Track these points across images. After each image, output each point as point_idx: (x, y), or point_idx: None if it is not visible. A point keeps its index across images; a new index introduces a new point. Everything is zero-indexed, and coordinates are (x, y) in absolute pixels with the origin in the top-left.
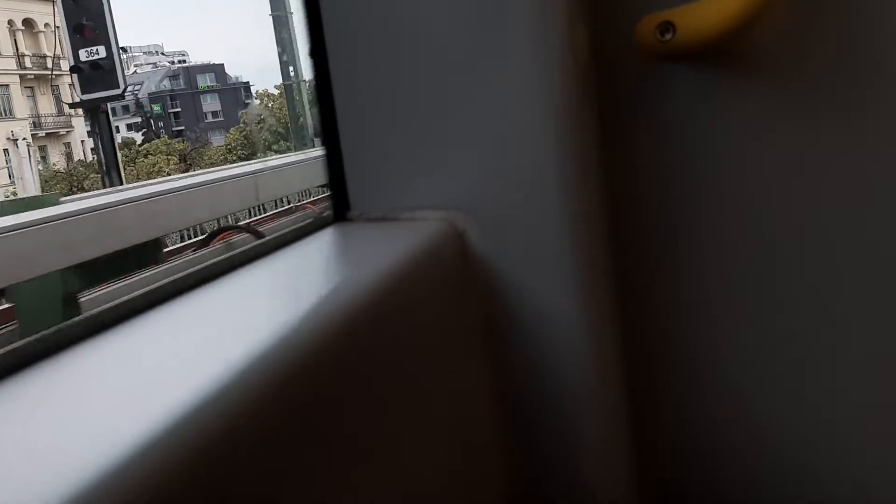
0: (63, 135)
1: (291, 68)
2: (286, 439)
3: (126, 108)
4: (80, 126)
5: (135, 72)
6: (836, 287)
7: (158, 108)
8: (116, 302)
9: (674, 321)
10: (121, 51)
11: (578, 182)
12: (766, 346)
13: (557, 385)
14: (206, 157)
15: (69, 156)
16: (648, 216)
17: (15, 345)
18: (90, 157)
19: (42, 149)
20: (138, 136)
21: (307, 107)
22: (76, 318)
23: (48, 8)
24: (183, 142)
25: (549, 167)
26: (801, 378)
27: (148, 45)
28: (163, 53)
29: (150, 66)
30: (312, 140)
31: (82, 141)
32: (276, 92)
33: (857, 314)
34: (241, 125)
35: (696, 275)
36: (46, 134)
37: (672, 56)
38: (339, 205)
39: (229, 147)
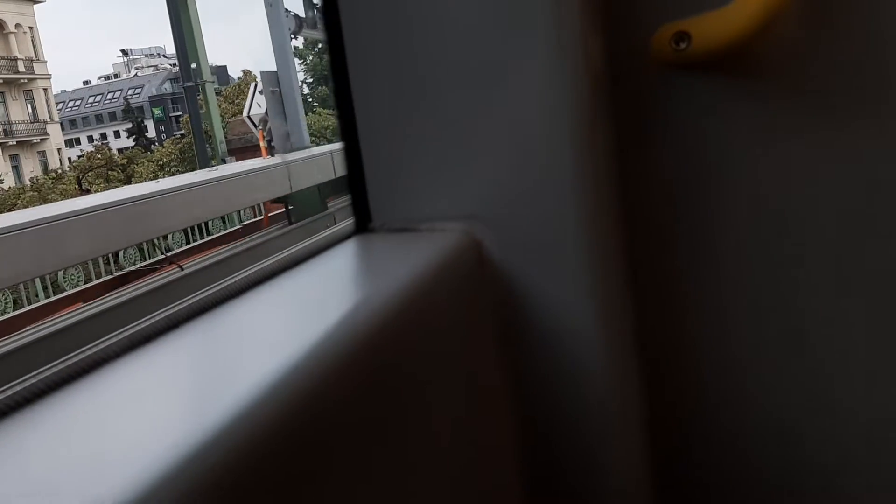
0: (37, 143)
1: (194, 64)
2: (315, 450)
3: (125, 113)
4: (56, 133)
5: (135, 74)
6: (859, 289)
7: (159, 111)
8: (142, 324)
9: (691, 327)
10: (122, 53)
11: (594, 190)
12: (784, 349)
13: (575, 391)
14: (136, 174)
15: (45, 165)
16: (664, 223)
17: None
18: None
19: (13, 158)
20: (130, 143)
21: (216, 116)
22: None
23: (23, 8)
24: (126, 151)
25: (565, 176)
26: (823, 381)
27: (150, 48)
28: (165, 56)
29: (152, 68)
30: (224, 159)
31: (59, 149)
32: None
33: (880, 317)
34: (178, 136)
35: (713, 281)
36: (17, 143)
37: (687, 65)
38: (361, 216)
39: (161, 163)
